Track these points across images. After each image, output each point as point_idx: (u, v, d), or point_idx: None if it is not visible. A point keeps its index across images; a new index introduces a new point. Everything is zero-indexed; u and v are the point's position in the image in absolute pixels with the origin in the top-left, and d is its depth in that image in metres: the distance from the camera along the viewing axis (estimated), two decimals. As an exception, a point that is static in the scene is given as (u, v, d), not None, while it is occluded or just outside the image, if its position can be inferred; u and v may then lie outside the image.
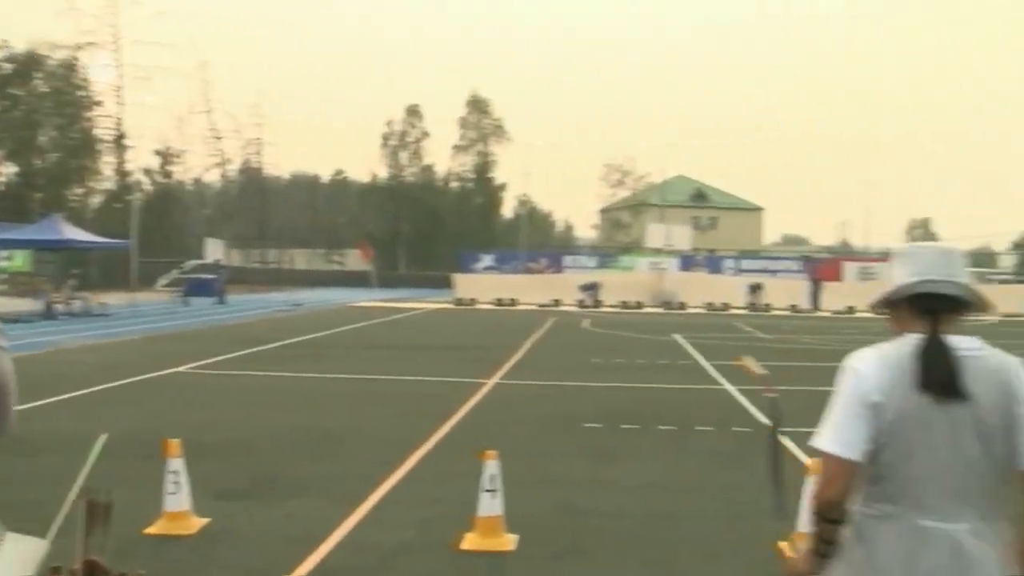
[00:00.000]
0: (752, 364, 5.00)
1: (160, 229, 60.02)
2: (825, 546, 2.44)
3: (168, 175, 66.65)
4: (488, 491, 6.02)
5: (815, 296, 40.31)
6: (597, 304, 39.21)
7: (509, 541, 5.96)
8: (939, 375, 2.37)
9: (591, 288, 39.81)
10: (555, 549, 5.96)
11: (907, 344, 2.44)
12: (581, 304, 39.21)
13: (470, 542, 5.94)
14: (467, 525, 6.13)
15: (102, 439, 2.70)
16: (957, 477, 2.35)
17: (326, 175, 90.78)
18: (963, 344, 2.41)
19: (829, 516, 2.40)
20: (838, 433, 2.42)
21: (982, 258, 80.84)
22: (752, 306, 39.73)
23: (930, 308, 2.43)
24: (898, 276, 2.52)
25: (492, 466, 6.04)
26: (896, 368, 2.41)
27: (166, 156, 65.58)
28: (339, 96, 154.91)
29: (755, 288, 40.65)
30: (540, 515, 6.69)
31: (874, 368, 2.44)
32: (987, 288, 36.66)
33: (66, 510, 2.51)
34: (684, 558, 5.87)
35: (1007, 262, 67.15)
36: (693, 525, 6.62)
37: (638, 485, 7.74)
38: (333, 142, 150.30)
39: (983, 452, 2.35)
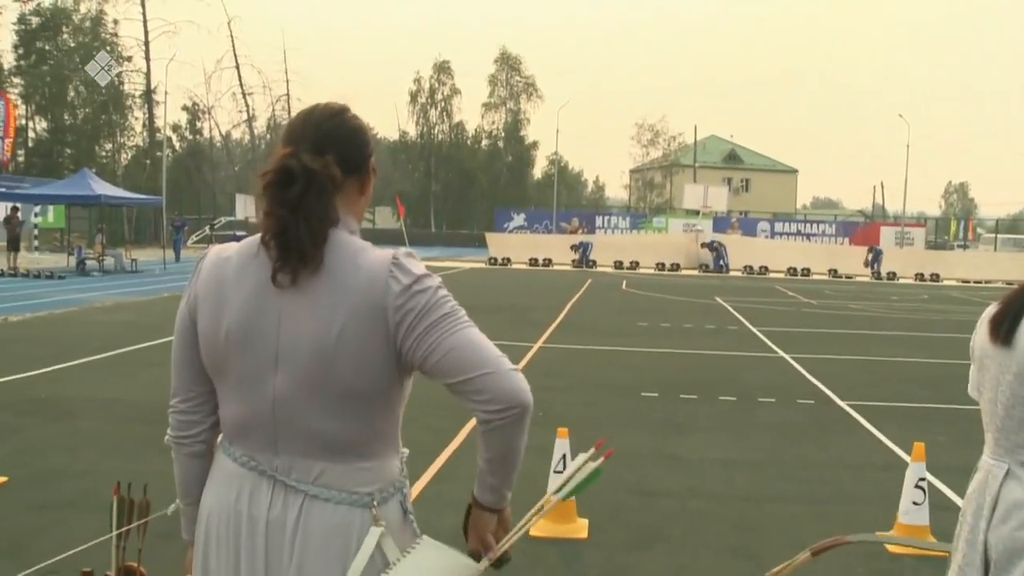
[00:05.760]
0: None
1: (190, 186, 59.82)
2: None
3: (197, 131, 66.32)
4: (559, 472, 5.52)
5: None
6: (591, 264, 38.61)
7: (582, 527, 5.46)
8: None
9: (583, 247, 39.33)
10: (630, 535, 5.45)
11: None
12: (574, 262, 38.84)
13: (540, 528, 5.43)
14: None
15: (592, 466, 2.12)
16: None
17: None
18: None
19: None
20: None
21: (1021, 224, 79.26)
22: (704, 267, 39.13)
23: None
24: None
25: (564, 445, 5.53)
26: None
27: (194, 112, 65.21)
28: (366, 52, 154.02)
29: (714, 247, 39.77)
30: (609, 496, 6.19)
31: None
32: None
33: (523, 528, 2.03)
34: (772, 547, 5.33)
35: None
36: (773, 507, 6.10)
37: (708, 461, 7.21)
38: (360, 99, 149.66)
39: None
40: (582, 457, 2.11)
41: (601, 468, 2.10)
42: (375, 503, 1.87)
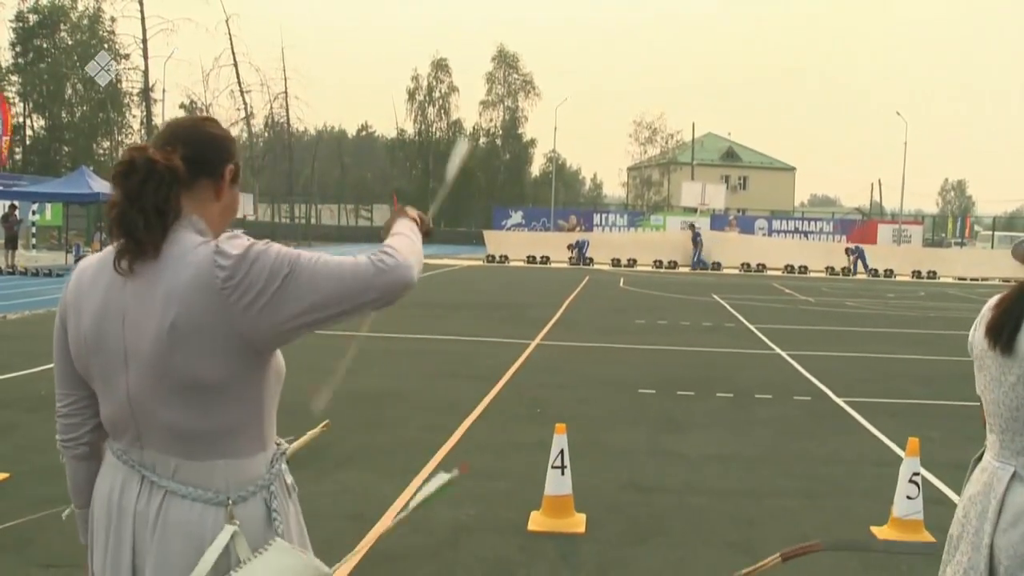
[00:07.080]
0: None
1: (187, 183, 59.72)
2: None
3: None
4: (556, 467, 5.56)
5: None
6: (588, 261, 38.70)
7: (580, 522, 5.50)
8: None
9: (579, 245, 39.39)
10: (628, 530, 5.49)
11: None
12: (571, 260, 38.91)
13: (538, 522, 5.48)
14: (533, 503, 5.68)
15: (445, 477, 2.12)
16: None
17: (352, 130, 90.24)
18: None
19: None
20: None
21: (1018, 222, 79.31)
22: (700, 263, 39.16)
23: None
24: None
25: (561, 441, 5.56)
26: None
27: (192, 110, 65.13)
28: (367, 52, 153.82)
29: (695, 235, 39.70)
30: (607, 491, 6.24)
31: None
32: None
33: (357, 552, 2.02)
34: (769, 541, 5.38)
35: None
36: (771, 502, 6.15)
37: (705, 457, 7.25)
38: (358, 96, 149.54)
39: None
40: (442, 476, 2.14)
41: (452, 483, 2.12)
42: (231, 501, 1.89)
